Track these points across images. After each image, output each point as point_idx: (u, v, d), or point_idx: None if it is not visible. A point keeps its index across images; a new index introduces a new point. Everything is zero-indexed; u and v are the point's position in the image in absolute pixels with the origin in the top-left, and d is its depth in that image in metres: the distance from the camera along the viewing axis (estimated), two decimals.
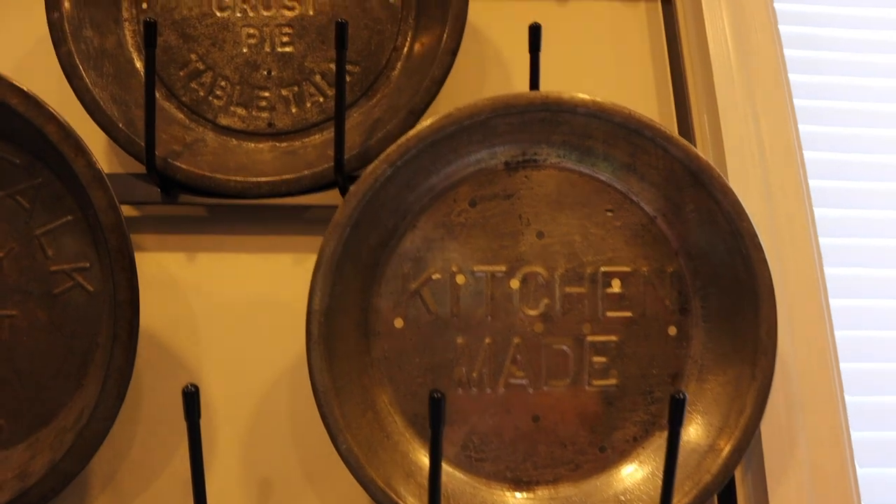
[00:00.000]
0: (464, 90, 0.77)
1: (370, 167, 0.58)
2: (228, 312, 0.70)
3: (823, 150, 0.80)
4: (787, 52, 0.79)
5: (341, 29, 0.63)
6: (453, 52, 0.69)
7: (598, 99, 0.59)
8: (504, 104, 0.59)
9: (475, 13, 0.79)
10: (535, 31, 0.64)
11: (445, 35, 0.69)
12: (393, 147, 0.58)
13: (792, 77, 0.80)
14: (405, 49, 0.74)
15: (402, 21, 0.74)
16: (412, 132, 0.58)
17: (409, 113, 0.69)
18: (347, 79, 0.73)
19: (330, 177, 0.68)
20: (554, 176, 0.63)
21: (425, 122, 0.58)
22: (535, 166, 0.63)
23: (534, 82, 0.64)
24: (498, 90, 0.77)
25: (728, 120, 0.75)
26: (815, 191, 0.73)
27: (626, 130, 0.60)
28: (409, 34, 0.74)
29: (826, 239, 0.72)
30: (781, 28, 0.82)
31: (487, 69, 0.79)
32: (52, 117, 0.59)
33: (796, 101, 0.79)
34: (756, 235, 0.59)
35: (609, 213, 0.64)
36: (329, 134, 0.72)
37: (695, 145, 0.73)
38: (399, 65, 0.74)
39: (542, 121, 0.60)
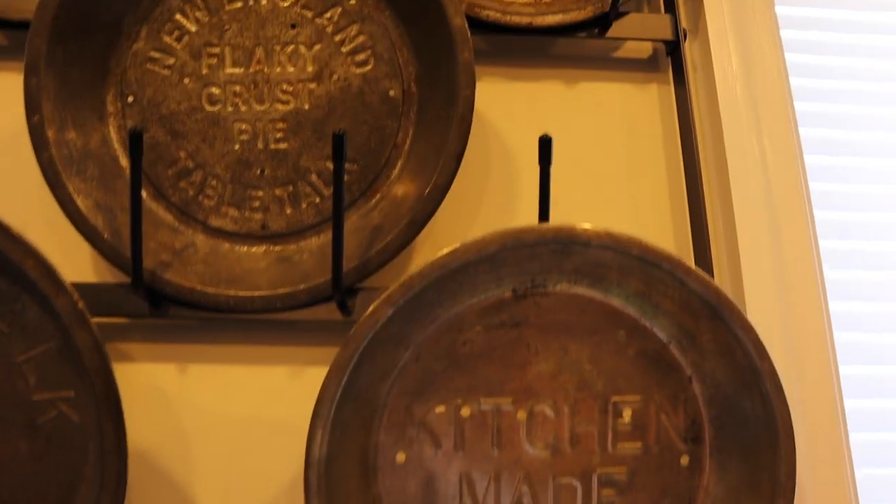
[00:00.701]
0: (467, 187, 0.74)
1: (372, 308, 0.55)
2: (221, 429, 0.67)
3: (846, 267, 0.78)
4: (808, 157, 0.77)
5: (339, 141, 0.60)
6: (458, 157, 0.66)
7: (613, 231, 0.56)
8: (514, 239, 0.55)
9: (477, 95, 0.76)
10: (545, 145, 0.60)
11: (450, 138, 0.66)
12: (395, 287, 0.55)
13: (813, 185, 0.78)
14: (406, 146, 0.70)
15: (403, 116, 0.70)
16: (415, 271, 0.55)
17: (410, 223, 0.65)
18: (345, 179, 0.70)
19: (327, 291, 0.65)
20: (564, 302, 0.60)
21: (429, 261, 0.55)
22: (545, 293, 0.60)
23: (544, 195, 0.61)
24: (503, 188, 0.75)
25: (744, 220, 0.73)
26: (836, 314, 0.71)
27: (642, 262, 0.57)
28: (411, 131, 0.70)
29: (847, 368, 0.69)
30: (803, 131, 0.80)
31: (492, 160, 0.75)
32: (30, 252, 0.55)
33: (817, 213, 0.77)
34: (776, 375, 0.57)
35: (621, 340, 0.61)
36: (326, 237, 0.69)
37: (709, 249, 0.70)
38: (400, 163, 0.70)
39: (552, 252, 0.57)
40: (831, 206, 0.81)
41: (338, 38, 0.71)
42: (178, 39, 0.70)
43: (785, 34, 0.85)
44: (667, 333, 0.60)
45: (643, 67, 0.79)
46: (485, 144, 0.75)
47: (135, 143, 0.60)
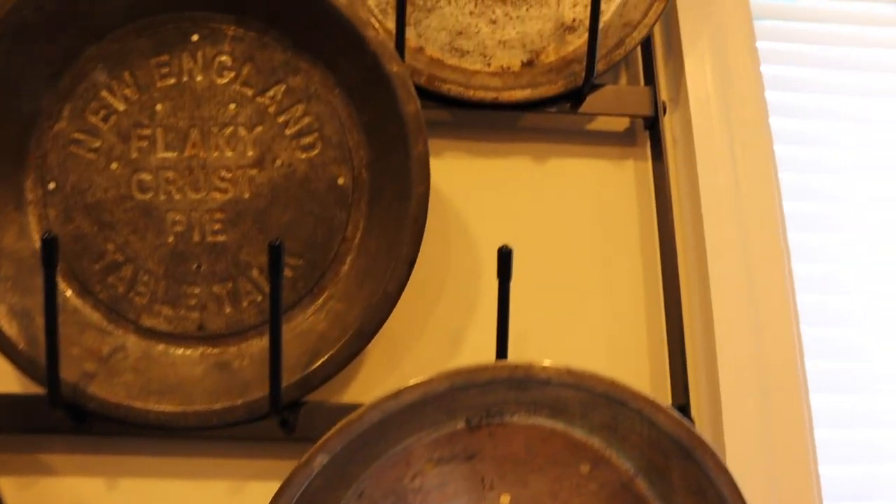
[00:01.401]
0: (424, 276, 0.68)
1: (306, 457, 0.49)
2: None
3: (834, 391, 0.72)
4: (791, 235, 0.71)
5: (275, 253, 0.54)
6: (410, 264, 0.60)
7: (574, 369, 0.50)
8: (465, 379, 0.50)
9: (438, 172, 0.70)
10: (504, 258, 0.54)
11: (403, 240, 0.60)
12: (332, 433, 0.49)
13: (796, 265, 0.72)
14: (356, 240, 0.64)
15: (353, 206, 0.64)
16: (354, 416, 0.49)
17: (357, 335, 0.60)
18: (289, 274, 0.64)
19: (266, 408, 0.59)
20: (522, 432, 0.55)
21: (369, 403, 0.49)
22: (501, 423, 0.55)
23: (502, 317, 0.55)
24: (464, 276, 0.69)
25: (723, 318, 0.67)
26: (822, 442, 0.66)
27: (608, 399, 0.52)
28: (361, 223, 0.64)
29: None
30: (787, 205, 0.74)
31: (451, 245, 0.69)
32: None
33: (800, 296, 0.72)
34: None
35: (584, 473, 0.56)
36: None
37: (684, 364, 0.64)
38: (349, 259, 0.64)
39: (509, 387, 0.52)
40: (823, 319, 0.75)
41: (281, 119, 0.64)
42: (105, 119, 0.64)
43: (771, 96, 0.80)
44: (634, 465, 0.55)
45: (619, 141, 0.72)
46: (444, 228, 0.69)
47: (49, 250, 0.54)
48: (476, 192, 0.70)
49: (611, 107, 0.69)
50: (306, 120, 0.64)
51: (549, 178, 0.71)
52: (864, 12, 0.89)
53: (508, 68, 0.70)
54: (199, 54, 0.64)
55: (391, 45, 0.59)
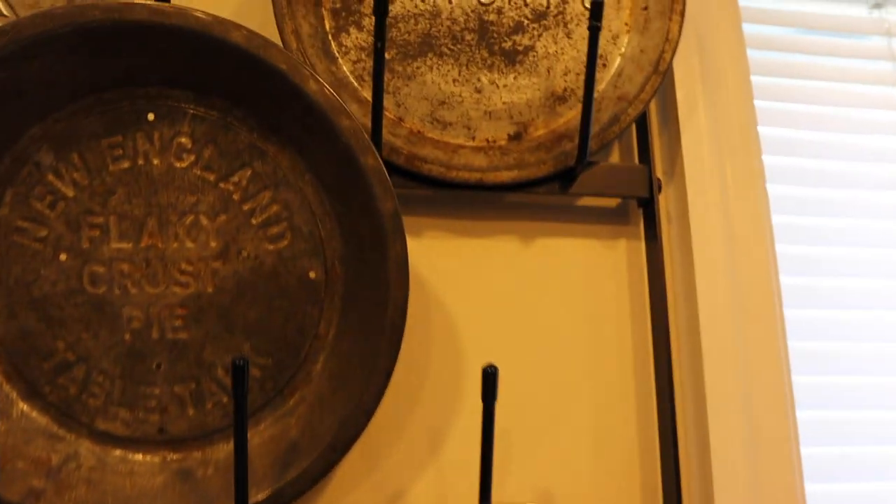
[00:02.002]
0: (404, 369, 0.63)
1: None
2: None
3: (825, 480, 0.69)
4: (788, 311, 0.68)
5: (239, 372, 0.49)
6: (388, 375, 0.55)
7: None
8: None
9: (417, 252, 0.65)
10: (489, 378, 0.50)
11: (380, 353, 0.55)
12: None
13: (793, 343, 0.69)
14: (329, 338, 0.60)
15: (327, 302, 0.59)
16: None
17: (331, 448, 0.55)
18: (257, 374, 0.59)
19: None
20: None
21: None
22: None
23: (486, 438, 0.51)
24: (446, 368, 0.65)
25: (719, 414, 0.64)
26: None
27: None
28: (335, 320, 0.59)
29: None
30: (784, 279, 0.71)
31: (433, 333, 0.65)
32: None
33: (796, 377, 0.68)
34: None
35: None
36: None
37: (676, 451, 0.61)
38: (322, 357, 0.59)
39: None
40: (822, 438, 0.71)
41: (247, 206, 0.59)
42: (52, 206, 0.58)
43: (769, 160, 0.76)
44: None
45: (610, 219, 0.68)
46: (423, 315, 0.65)
47: None
48: (457, 274, 0.66)
49: (603, 186, 0.65)
50: (274, 208, 0.59)
51: (535, 258, 0.67)
52: (862, 68, 0.85)
53: (494, 142, 0.66)
54: (156, 135, 0.58)
55: (366, 136, 0.54)
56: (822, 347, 0.75)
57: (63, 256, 0.58)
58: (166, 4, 0.53)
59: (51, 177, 0.58)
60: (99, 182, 0.58)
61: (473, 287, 0.66)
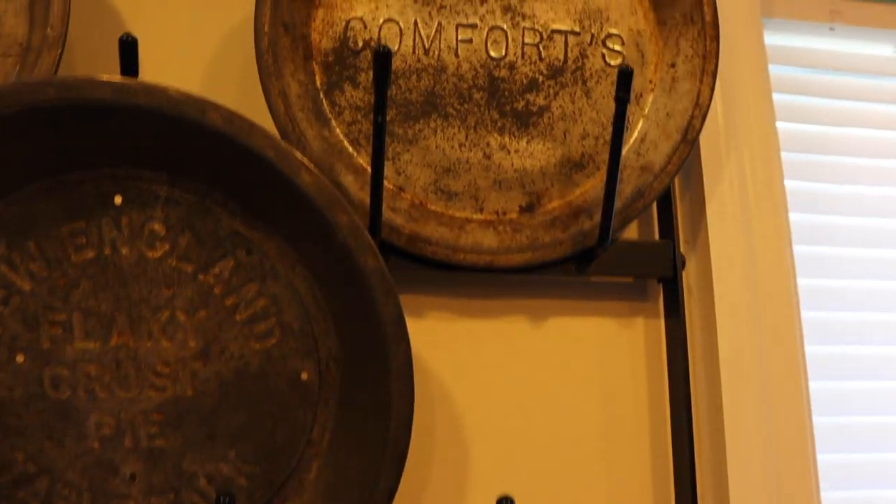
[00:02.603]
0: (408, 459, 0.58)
1: None
2: None
3: None
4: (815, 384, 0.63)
5: None
6: (390, 496, 0.50)
7: None
8: None
9: (420, 333, 0.60)
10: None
11: (381, 472, 0.49)
12: None
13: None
14: (324, 444, 0.54)
15: (320, 405, 0.53)
16: None
17: None
18: (244, 483, 0.53)
19: None
20: None
21: None
22: None
23: None
24: (451, 457, 0.59)
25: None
26: None
27: None
28: (330, 425, 0.53)
29: None
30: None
31: (437, 425, 0.60)
32: None
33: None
34: None
35: None
36: None
37: None
38: (315, 465, 0.53)
39: None
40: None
41: (230, 301, 0.52)
42: (5, 302, 0.51)
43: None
44: None
45: (627, 296, 0.63)
46: (427, 402, 0.59)
47: None
48: (463, 358, 0.60)
49: (623, 265, 0.59)
50: (261, 303, 0.52)
51: (547, 340, 0.61)
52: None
53: (504, 214, 0.59)
54: (124, 221, 0.51)
55: (366, 234, 0.47)
56: (849, 422, 0.71)
57: (20, 358, 0.51)
58: (133, 81, 0.46)
59: (3, 268, 0.51)
60: (59, 274, 0.51)
61: (480, 373, 0.60)
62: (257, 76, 0.56)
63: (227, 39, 0.64)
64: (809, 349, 0.69)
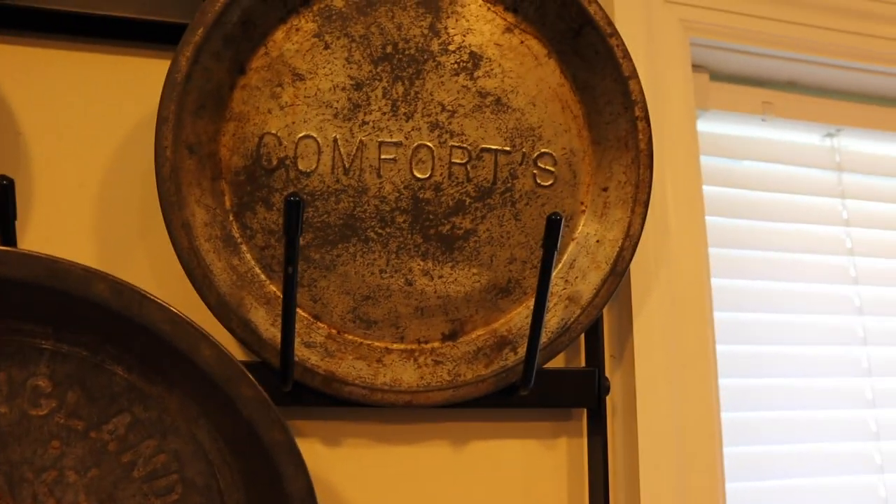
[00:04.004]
0: None
1: None
2: None
3: None
4: None
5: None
6: None
7: None
8: None
9: (331, 462, 0.57)
10: None
11: None
12: None
13: None
14: None
15: None
16: None
17: None
18: None
19: None
20: None
21: None
22: None
23: None
24: None
25: None
26: None
27: None
28: None
29: None
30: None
31: None
32: None
33: None
34: None
35: None
36: None
37: None
38: None
39: None
40: None
41: (126, 458, 0.48)
42: None
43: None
44: None
45: (550, 416, 0.62)
46: None
47: None
48: (384, 485, 0.58)
49: (546, 397, 0.57)
50: (161, 458, 0.49)
51: (469, 464, 0.60)
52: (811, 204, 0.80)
53: (426, 342, 0.57)
54: (2, 377, 0.47)
55: (274, 409, 0.44)
56: None
57: None
58: (6, 250, 0.41)
59: None
60: None
61: (402, 500, 0.58)
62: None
63: (130, 135, 0.59)
64: (728, 450, 0.70)
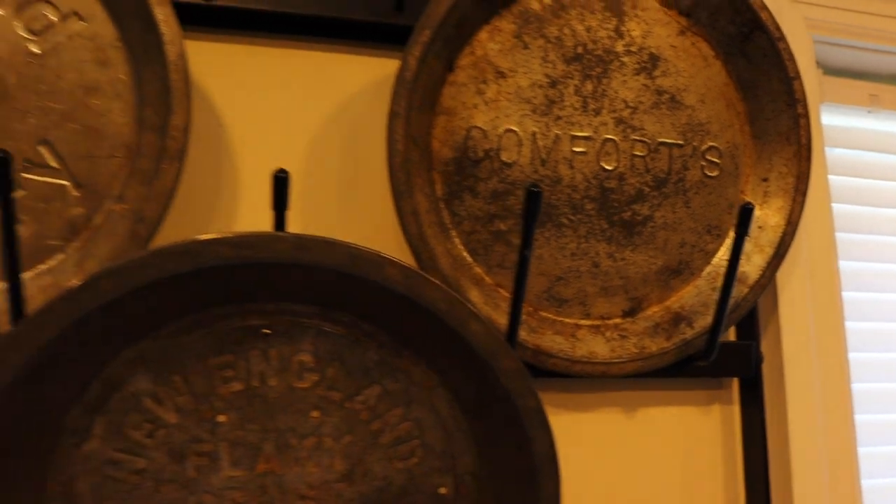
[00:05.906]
0: None
1: None
2: None
3: None
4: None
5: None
6: None
7: None
8: None
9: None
10: None
11: None
12: None
13: None
14: None
15: None
16: None
17: None
18: None
19: None
20: None
21: None
22: None
23: None
24: None
25: None
26: None
27: None
28: None
29: None
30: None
31: None
32: None
33: None
34: None
35: None
36: None
37: None
38: None
39: None
40: None
41: (375, 426, 0.54)
42: (151, 435, 0.50)
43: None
44: None
45: (704, 385, 0.68)
46: None
47: None
48: (560, 447, 0.64)
49: (712, 367, 0.64)
50: (405, 426, 0.54)
51: (636, 430, 0.66)
52: None
53: (609, 318, 0.63)
54: (273, 353, 0.51)
55: (529, 377, 0.50)
56: None
57: (166, 488, 0.51)
58: (311, 238, 0.45)
59: (149, 402, 0.50)
60: (207, 407, 0.50)
61: (580, 463, 0.64)
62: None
63: (324, 127, 0.63)
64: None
